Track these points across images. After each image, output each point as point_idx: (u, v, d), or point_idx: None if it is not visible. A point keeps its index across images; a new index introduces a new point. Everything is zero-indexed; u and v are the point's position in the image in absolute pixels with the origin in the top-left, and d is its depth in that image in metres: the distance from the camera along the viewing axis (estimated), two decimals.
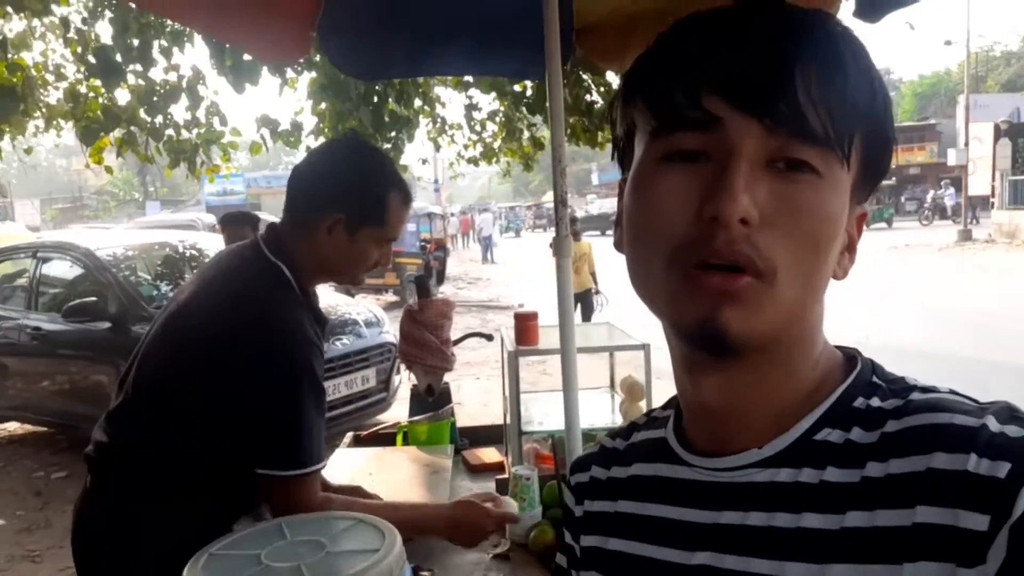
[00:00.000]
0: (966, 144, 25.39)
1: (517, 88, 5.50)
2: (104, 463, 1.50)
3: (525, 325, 2.11)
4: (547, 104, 5.51)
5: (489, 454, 2.50)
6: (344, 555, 1.03)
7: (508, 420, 2.13)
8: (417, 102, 6.12)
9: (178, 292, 1.57)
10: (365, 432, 2.61)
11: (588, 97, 5.48)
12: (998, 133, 23.92)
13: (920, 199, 29.23)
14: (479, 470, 2.39)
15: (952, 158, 27.55)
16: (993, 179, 23.19)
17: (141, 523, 1.43)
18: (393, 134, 6.00)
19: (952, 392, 0.56)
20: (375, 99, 5.47)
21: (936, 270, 14.97)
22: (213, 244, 6.49)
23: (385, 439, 2.50)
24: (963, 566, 0.47)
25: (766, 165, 0.53)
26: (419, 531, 1.63)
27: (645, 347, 2.00)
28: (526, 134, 6.88)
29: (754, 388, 0.59)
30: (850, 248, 0.59)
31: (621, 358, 2.43)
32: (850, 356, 0.62)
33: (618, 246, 0.65)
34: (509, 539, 1.85)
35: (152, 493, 1.43)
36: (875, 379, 0.59)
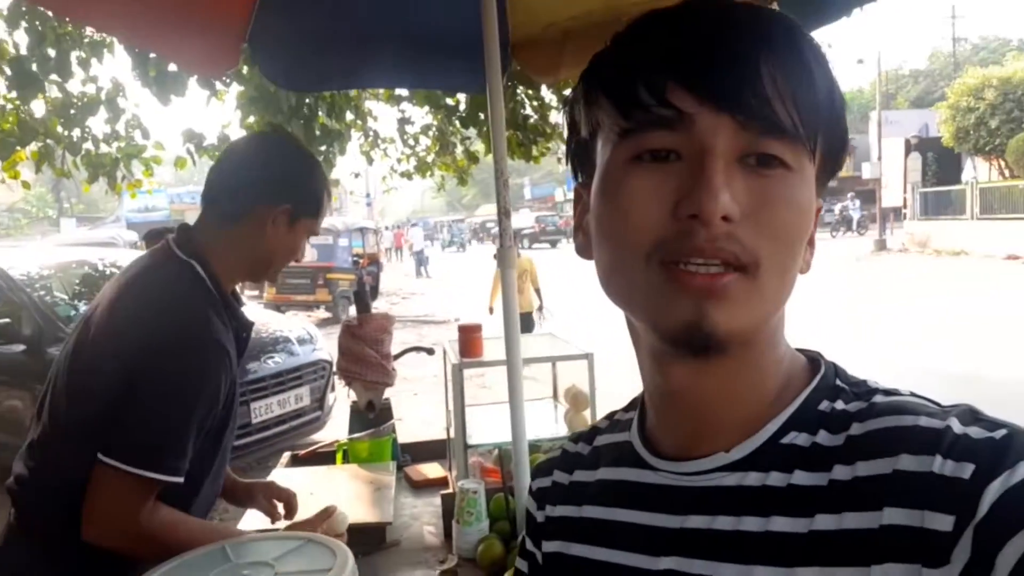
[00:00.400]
0: (879, 158, 26.65)
1: (450, 102, 5.50)
2: (26, 498, 1.39)
3: (469, 337, 2.10)
4: (482, 117, 5.50)
5: (432, 469, 2.47)
6: (294, 575, 0.99)
7: (453, 434, 2.11)
8: (349, 115, 6.05)
9: (89, 308, 1.45)
10: (303, 451, 2.55)
11: (522, 111, 5.52)
12: (908, 148, 25.23)
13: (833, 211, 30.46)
14: (422, 486, 2.36)
15: (866, 172, 28.86)
16: (904, 191, 24.41)
17: (66, 565, 1.33)
18: (324, 148, 5.92)
19: (913, 395, 0.57)
20: (306, 112, 5.39)
21: (871, 278, 15.56)
22: None
23: (324, 458, 2.45)
24: (928, 566, 0.47)
25: (737, 161, 0.53)
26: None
27: (589, 357, 2.02)
28: (460, 148, 6.87)
29: (725, 384, 0.59)
30: (810, 241, 0.59)
31: (563, 369, 2.44)
32: (812, 359, 0.62)
33: (580, 252, 0.65)
34: (456, 554, 1.83)
35: (76, 533, 1.29)
36: (838, 382, 0.59)
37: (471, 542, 1.81)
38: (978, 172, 24.39)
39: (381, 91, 6.06)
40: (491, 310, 7.54)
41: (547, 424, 2.14)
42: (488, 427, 2.22)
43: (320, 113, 5.60)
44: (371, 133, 6.85)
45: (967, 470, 0.48)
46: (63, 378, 1.38)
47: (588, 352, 2.02)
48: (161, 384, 1.29)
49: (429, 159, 6.97)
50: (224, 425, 1.47)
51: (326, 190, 1.56)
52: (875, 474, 0.51)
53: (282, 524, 1.58)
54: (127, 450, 1.26)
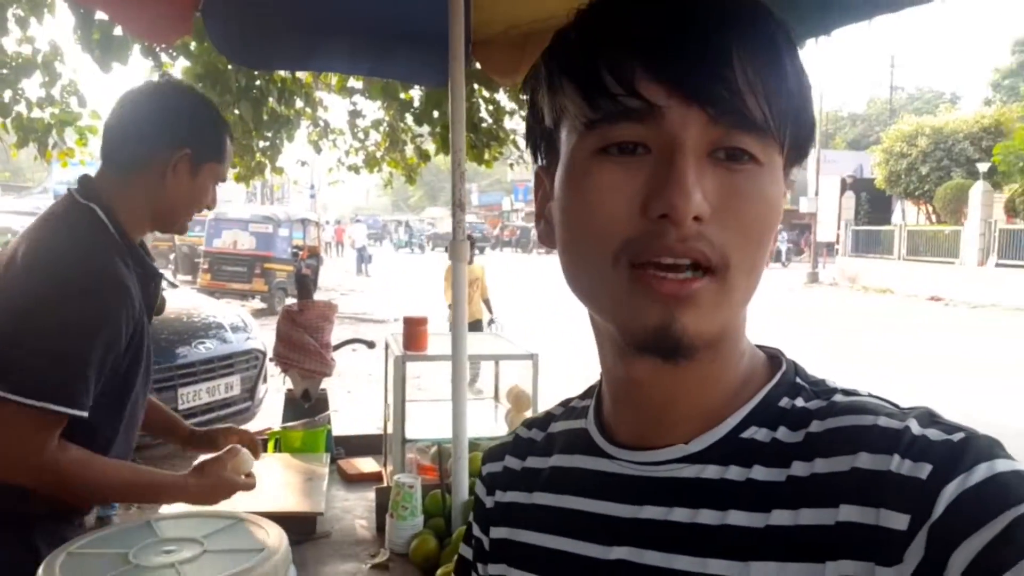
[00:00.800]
0: (816, 194, 27.61)
1: (404, 97, 5.45)
2: None
3: (415, 330, 2.07)
4: (436, 115, 5.44)
5: (366, 464, 2.42)
6: (224, 554, 0.95)
7: (392, 428, 2.07)
8: (299, 103, 5.94)
9: None
10: None
11: (477, 114, 5.51)
12: (844, 187, 26.22)
13: None
14: (355, 480, 2.31)
15: (803, 206, 29.86)
16: (838, 227, 25.33)
17: None
18: (271, 133, 5.79)
19: (871, 395, 0.57)
20: (256, 94, 5.27)
21: (804, 308, 16.01)
22: None
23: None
24: (882, 564, 0.48)
25: (707, 155, 0.51)
26: (158, 494, 1.37)
27: (534, 357, 2.01)
28: (411, 146, 6.81)
29: (687, 379, 0.58)
30: None
31: (503, 369, 2.43)
32: (772, 356, 0.62)
33: (543, 239, 0.63)
34: (388, 548, 1.79)
35: None
36: (798, 380, 0.59)
37: (404, 537, 1.78)
38: (907, 215, 25.51)
39: (333, 81, 5.97)
40: (450, 307, 7.37)
41: (487, 423, 2.12)
42: (426, 423, 2.19)
43: (270, 98, 5.48)
44: (321, 123, 6.74)
45: (924, 470, 0.48)
46: None
47: (533, 352, 2.02)
48: (60, 317, 1.28)
49: (378, 154, 6.89)
50: (133, 371, 1.43)
51: (228, 134, 1.55)
52: (833, 471, 0.52)
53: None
54: (25, 382, 1.23)
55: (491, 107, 5.54)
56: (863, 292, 21.21)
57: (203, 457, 1.46)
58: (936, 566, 0.46)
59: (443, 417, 2.16)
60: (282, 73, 5.38)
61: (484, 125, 5.42)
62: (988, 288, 17.84)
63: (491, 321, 7.39)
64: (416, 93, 5.32)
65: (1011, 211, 19.67)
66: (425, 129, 5.73)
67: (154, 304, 1.53)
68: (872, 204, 26.31)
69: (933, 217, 23.46)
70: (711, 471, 0.57)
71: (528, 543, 0.66)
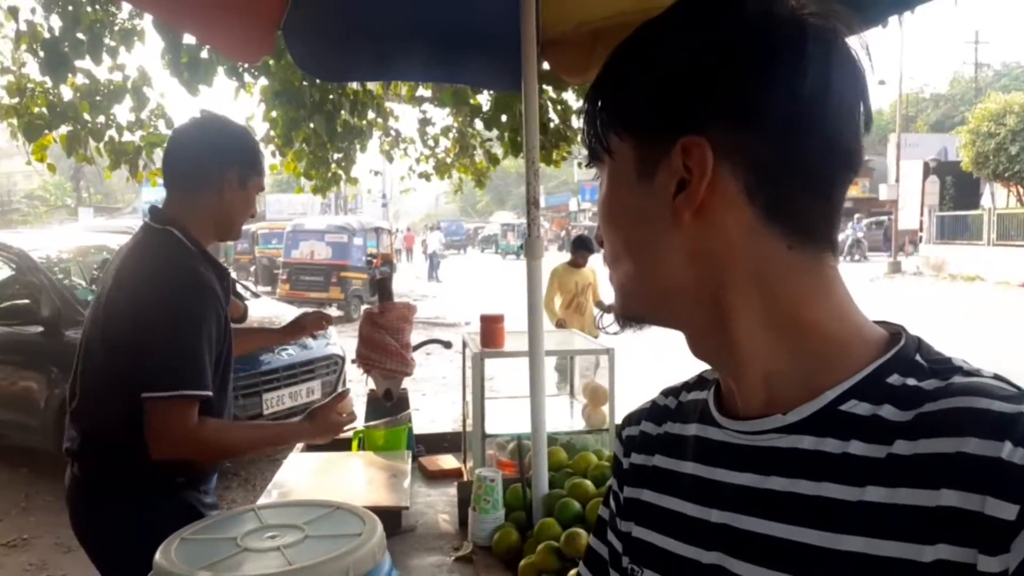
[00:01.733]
0: (896, 180, 26.54)
1: (473, 103, 5.52)
2: (83, 453, 1.69)
3: (491, 327, 2.11)
4: (504, 119, 5.47)
5: (446, 461, 2.48)
6: (324, 539, 1.00)
7: (471, 424, 2.12)
8: (371, 114, 6.09)
9: (98, 287, 1.78)
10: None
11: (546, 115, 5.54)
12: (927, 171, 25.11)
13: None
14: (437, 476, 2.37)
15: (883, 193, 28.72)
16: (921, 214, 24.27)
17: (120, 502, 1.66)
18: (346, 144, 5.96)
19: (996, 377, 0.55)
20: (329, 108, 5.43)
21: (886, 300, 15.42)
22: None
23: (340, 445, 2.45)
24: (985, 553, 0.47)
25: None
26: (281, 439, 1.98)
27: (610, 352, 2.02)
28: (480, 150, 6.89)
29: (710, 356, 0.66)
30: (688, 184, 0.59)
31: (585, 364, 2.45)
32: (894, 332, 0.62)
33: None
34: (471, 541, 1.84)
35: (126, 471, 1.64)
36: (918, 358, 0.58)
37: (487, 530, 1.82)
38: (996, 198, 24.24)
39: (403, 91, 6.10)
40: (558, 323, 5.78)
41: (563, 418, 2.14)
42: (504, 420, 2.23)
43: (343, 111, 5.64)
44: (392, 132, 6.89)
45: None
46: (96, 347, 1.68)
47: (609, 347, 2.03)
48: (172, 322, 1.58)
49: (448, 160, 7.00)
50: (227, 361, 1.76)
51: (259, 151, 1.87)
52: (937, 452, 0.51)
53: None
54: (164, 380, 1.55)
55: (559, 107, 5.57)
56: (950, 280, 20.27)
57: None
58: None
59: (520, 413, 2.20)
60: (354, 86, 5.54)
61: (552, 125, 5.44)
62: None
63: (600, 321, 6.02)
64: (484, 98, 5.38)
65: None
66: (494, 134, 5.80)
67: (228, 296, 1.79)
68: (958, 188, 25.10)
69: None
70: (807, 442, 0.58)
71: (648, 502, 0.71)
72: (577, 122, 5.69)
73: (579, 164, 5.62)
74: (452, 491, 2.25)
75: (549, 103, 5.51)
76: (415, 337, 2.60)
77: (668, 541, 0.67)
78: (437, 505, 2.15)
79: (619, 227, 0.65)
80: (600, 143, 0.65)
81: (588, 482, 1.81)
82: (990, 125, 21.69)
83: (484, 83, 3.71)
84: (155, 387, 1.54)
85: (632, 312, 0.67)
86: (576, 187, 45.37)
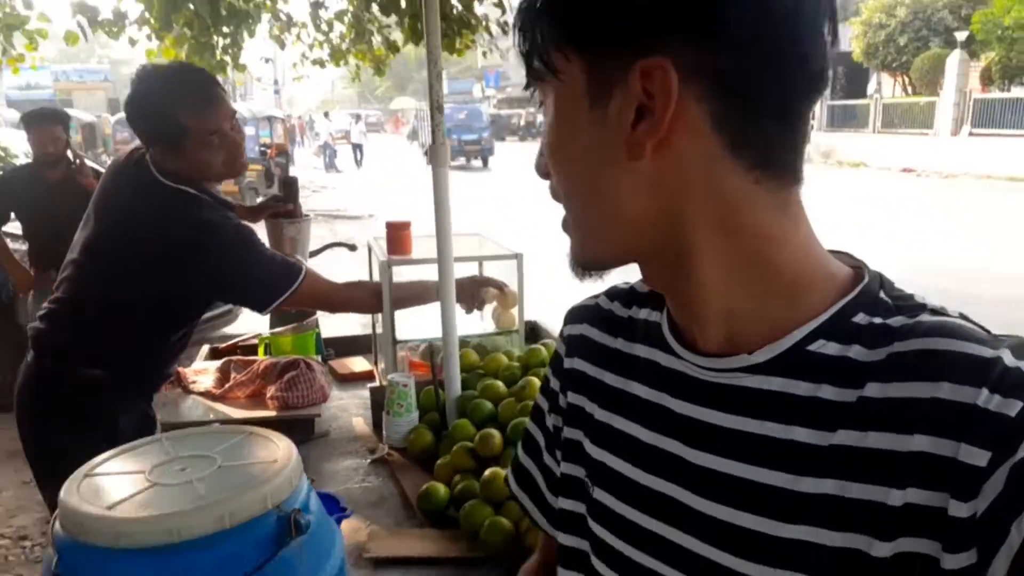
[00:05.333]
0: None
1: None
2: (52, 335, 1.83)
3: (398, 234, 2.08)
4: (403, 5, 5.18)
5: (357, 363, 2.48)
6: (238, 469, 0.99)
7: (381, 330, 2.12)
8: None
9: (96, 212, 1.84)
10: (223, 345, 2.50)
11: (448, 2, 5.28)
12: None
13: None
14: (348, 379, 2.38)
15: None
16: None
17: (76, 391, 1.79)
18: (231, 28, 5.54)
19: (963, 316, 0.54)
20: None
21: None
22: (16, 143, 5.78)
23: (245, 351, 2.41)
24: (956, 498, 0.47)
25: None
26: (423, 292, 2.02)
27: (519, 256, 2.03)
28: (378, 37, 6.54)
29: (670, 293, 0.63)
30: (649, 112, 0.53)
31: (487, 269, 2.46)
32: (855, 267, 0.60)
33: None
34: (386, 444, 1.87)
35: (90, 360, 1.80)
36: (882, 294, 0.57)
37: (401, 432, 1.85)
38: (883, 88, 25.19)
39: None
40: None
41: (473, 321, 2.16)
42: (414, 325, 2.23)
43: None
44: (283, 16, 6.44)
45: (1014, 408, 0.46)
46: (109, 249, 1.80)
47: (518, 252, 2.04)
48: (236, 255, 1.76)
49: (344, 47, 6.63)
50: None
51: (216, 84, 1.83)
52: (910, 397, 0.50)
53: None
54: (280, 282, 1.81)
55: None
56: (837, 167, 21.24)
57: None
58: (1014, 502, 0.45)
59: (430, 318, 2.21)
60: None
61: (455, 12, 5.21)
62: (960, 157, 17.92)
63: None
64: None
65: (987, 80, 19.47)
66: (392, 20, 5.51)
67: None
68: (849, 78, 25.91)
69: (909, 89, 23.21)
70: (774, 383, 0.56)
71: (600, 421, 0.70)
72: (480, 7, 5.47)
73: (483, 53, 5.43)
74: (365, 393, 2.27)
75: None
76: (317, 232, 2.53)
77: (620, 463, 0.66)
78: (350, 408, 2.16)
79: (569, 161, 0.59)
80: (542, 61, 0.58)
81: (499, 383, 1.86)
82: (882, 16, 22.23)
83: None
84: (281, 288, 1.79)
85: (591, 257, 0.61)
86: (480, 72, 44.09)
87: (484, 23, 5.47)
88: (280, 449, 1.05)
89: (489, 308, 2.09)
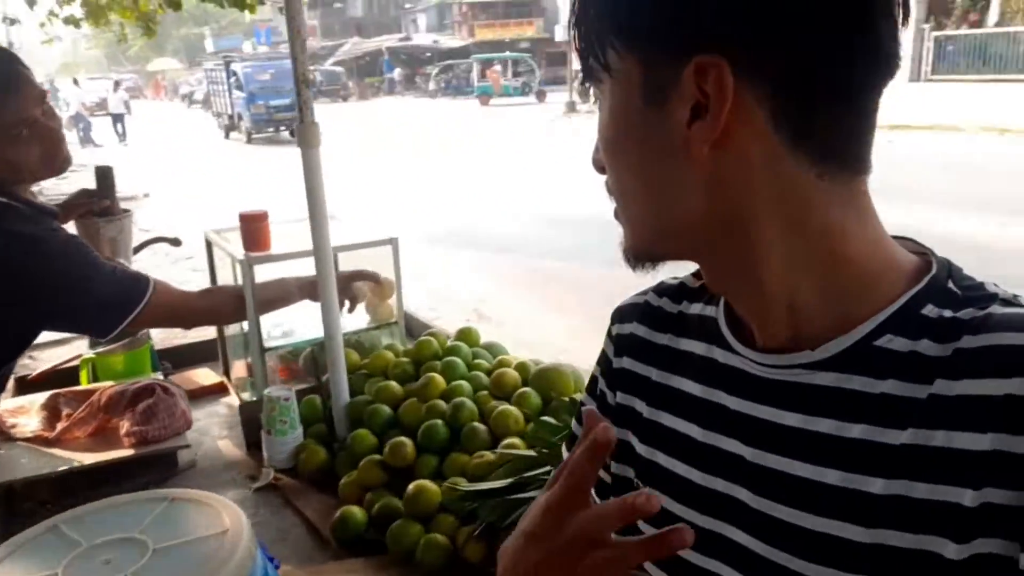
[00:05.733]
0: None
1: None
2: None
3: (255, 227, 1.82)
4: None
5: (204, 375, 2.21)
6: (179, 551, 0.81)
7: (247, 335, 1.88)
8: None
9: None
10: (34, 373, 2.10)
11: None
12: None
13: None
14: (198, 395, 2.10)
15: (559, 35, 30.23)
16: None
17: None
18: None
19: None
20: None
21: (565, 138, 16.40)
22: None
23: (65, 379, 2.03)
24: None
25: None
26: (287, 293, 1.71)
27: (393, 241, 1.89)
28: None
29: (730, 290, 0.61)
30: (705, 112, 0.52)
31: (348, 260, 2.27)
32: (922, 255, 0.58)
33: None
34: (270, 467, 1.67)
35: None
36: (950, 284, 0.55)
37: (287, 452, 1.67)
38: None
39: None
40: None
41: (344, 316, 1.98)
42: (275, 326, 2.01)
43: None
44: None
45: None
46: None
47: (393, 237, 1.89)
48: (67, 273, 1.44)
49: (103, 2, 5.82)
50: None
51: (18, 63, 1.49)
52: (983, 394, 0.49)
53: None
54: (128, 297, 1.51)
55: None
56: None
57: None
58: None
59: (291, 319, 2.01)
60: None
61: None
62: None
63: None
64: None
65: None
66: None
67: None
68: None
69: None
70: (840, 379, 0.55)
71: (649, 419, 0.67)
72: None
73: (280, 10, 4.98)
74: (221, 410, 2.03)
75: None
76: None
77: (675, 463, 0.64)
78: (211, 430, 1.91)
79: (625, 157, 0.57)
80: (597, 59, 0.56)
81: (393, 383, 1.72)
82: None
83: None
84: (129, 306, 1.51)
85: (646, 250, 0.60)
86: (249, 28, 41.09)
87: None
88: (224, 515, 0.87)
89: (362, 304, 1.92)
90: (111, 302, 1.50)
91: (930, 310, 0.54)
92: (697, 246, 0.58)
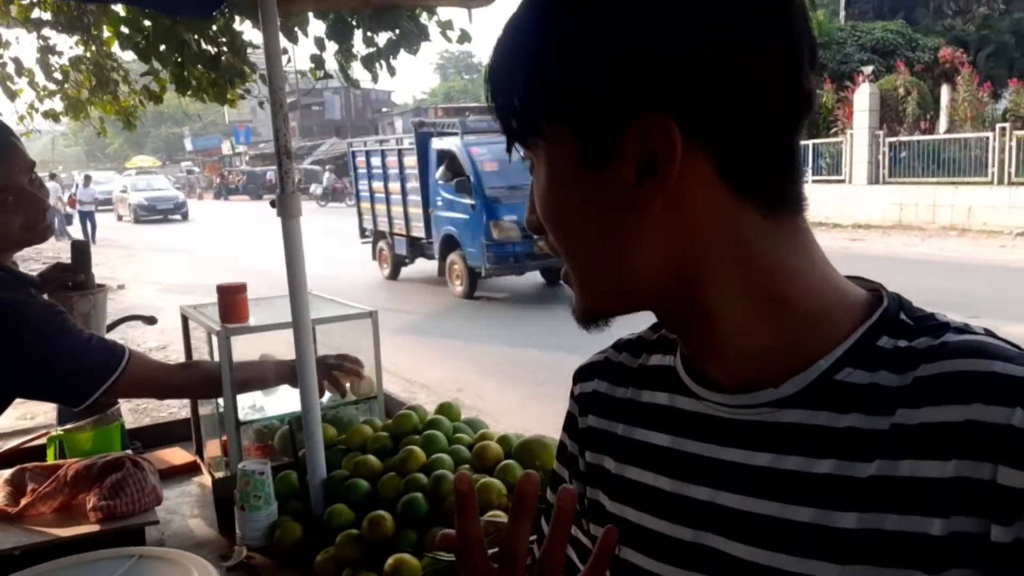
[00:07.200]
0: None
1: (126, 29, 4.71)
2: None
3: (233, 300, 1.81)
4: (162, 48, 4.75)
5: (175, 455, 2.14)
6: None
7: (211, 411, 1.84)
8: None
9: None
10: (0, 450, 2.02)
11: (212, 48, 4.93)
12: None
13: None
14: (169, 474, 2.02)
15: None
16: None
17: None
18: None
19: (988, 333, 0.53)
20: None
21: None
22: None
23: (31, 456, 1.96)
24: (997, 523, 0.46)
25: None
26: (263, 376, 1.78)
27: (372, 314, 1.88)
28: (123, 86, 5.95)
29: (687, 337, 0.61)
30: (652, 169, 0.52)
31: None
32: (873, 290, 0.59)
33: None
34: (243, 544, 1.60)
35: None
36: (903, 316, 0.56)
37: (260, 528, 1.60)
38: None
39: (13, 12, 5.01)
40: None
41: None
42: (245, 403, 1.97)
43: None
44: (8, 62, 5.64)
45: None
46: None
47: (372, 310, 1.89)
48: (46, 341, 1.44)
49: (83, 97, 5.93)
50: None
51: (9, 134, 1.51)
52: (944, 421, 0.49)
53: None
54: (101, 368, 1.49)
55: (225, 38, 4.99)
56: None
57: None
58: None
59: (266, 395, 1.98)
60: None
61: (224, 59, 4.87)
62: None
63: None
64: (148, 23, 4.61)
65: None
66: (142, 67, 5.03)
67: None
68: None
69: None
70: (803, 416, 0.55)
71: (617, 475, 0.67)
72: (253, 55, 5.19)
73: (260, 104, 5.12)
74: (193, 489, 1.96)
75: (218, 33, 4.91)
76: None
77: (645, 517, 0.64)
78: (181, 509, 1.84)
79: (568, 220, 0.58)
80: (527, 128, 0.56)
81: (372, 457, 1.68)
82: None
83: (158, 5, 3.16)
84: (98, 380, 1.48)
85: (598, 309, 0.60)
86: (228, 128, 41.99)
87: (257, 71, 5.19)
88: (193, 571, 0.83)
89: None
90: (86, 370, 1.49)
91: (885, 341, 0.54)
92: (653, 299, 0.59)
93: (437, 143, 10.11)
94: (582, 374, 0.75)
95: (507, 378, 6.24)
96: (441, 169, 10.00)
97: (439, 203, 10.08)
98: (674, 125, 0.50)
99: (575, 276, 0.60)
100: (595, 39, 0.50)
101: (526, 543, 0.56)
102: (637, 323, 0.68)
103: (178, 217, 28.45)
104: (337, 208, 27.25)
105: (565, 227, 0.58)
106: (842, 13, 21.23)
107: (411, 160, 10.57)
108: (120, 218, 29.66)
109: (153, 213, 28.20)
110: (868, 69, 17.71)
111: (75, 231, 18.78)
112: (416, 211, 10.54)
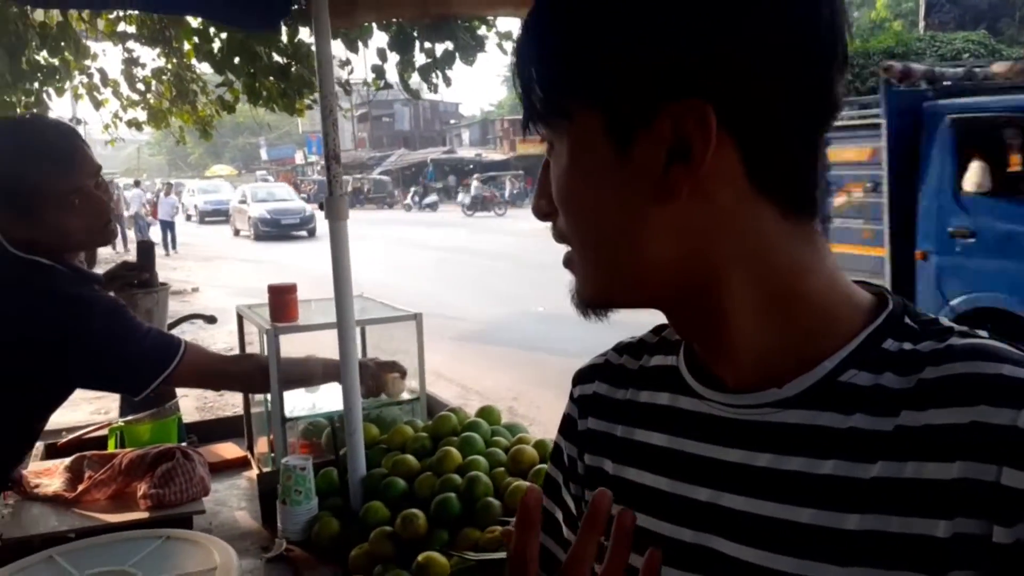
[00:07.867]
0: None
1: (198, 40, 4.92)
2: None
3: (284, 300, 1.88)
4: (236, 61, 4.94)
5: (228, 450, 2.22)
6: None
7: (266, 407, 1.90)
8: (67, 51, 5.20)
9: None
10: (63, 440, 2.14)
11: (281, 60, 5.11)
12: None
13: None
14: (220, 468, 2.10)
15: None
16: None
17: None
18: (36, 85, 5.05)
19: (992, 337, 0.53)
20: (12, 40, 4.54)
21: None
22: None
23: (93, 446, 2.06)
24: (1000, 524, 0.46)
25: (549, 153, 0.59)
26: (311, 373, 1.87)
27: (417, 317, 1.92)
28: (202, 97, 6.20)
29: (695, 334, 0.61)
30: (682, 155, 0.52)
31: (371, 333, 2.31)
32: (878, 295, 0.59)
33: None
34: (283, 537, 1.65)
35: None
36: (907, 320, 0.56)
37: (301, 522, 1.64)
38: None
39: (101, 27, 5.28)
40: None
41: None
42: (292, 399, 2.03)
43: (33, 44, 4.77)
44: (95, 73, 5.95)
45: None
46: None
47: (417, 312, 1.92)
48: (110, 333, 1.53)
49: (164, 107, 6.21)
50: None
51: (77, 139, 1.60)
52: (949, 423, 0.49)
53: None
54: (161, 357, 1.58)
55: (291, 50, 5.16)
56: None
57: None
58: None
59: (304, 394, 2.03)
60: (40, 16, 4.70)
61: (294, 70, 5.03)
62: None
63: None
64: (220, 37, 4.82)
65: None
66: (218, 78, 5.24)
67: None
68: None
69: None
70: (807, 416, 0.55)
71: (615, 476, 0.66)
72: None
73: (298, 111, 5.22)
74: (242, 483, 2.03)
75: (287, 45, 5.09)
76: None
77: (644, 518, 0.63)
78: (229, 501, 1.90)
79: (584, 206, 0.57)
80: (553, 109, 0.56)
81: (410, 457, 1.71)
82: None
83: (227, 19, 3.30)
84: (160, 366, 1.57)
85: (606, 298, 0.60)
86: (301, 138, 43.30)
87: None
88: (215, 553, 0.86)
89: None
90: (145, 361, 1.57)
91: (890, 344, 0.54)
92: (662, 293, 0.58)
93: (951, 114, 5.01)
94: (582, 376, 0.75)
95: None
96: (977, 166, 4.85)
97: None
98: (711, 111, 0.50)
99: (583, 263, 0.59)
100: (637, 18, 0.51)
101: (535, 552, 0.56)
102: (636, 323, 0.69)
103: (303, 233, 22.27)
104: (485, 217, 25.32)
105: (582, 212, 0.57)
106: (921, 23, 20.65)
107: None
108: (237, 232, 24.07)
109: (277, 228, 22.16)
110: None
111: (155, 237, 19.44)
112: None
